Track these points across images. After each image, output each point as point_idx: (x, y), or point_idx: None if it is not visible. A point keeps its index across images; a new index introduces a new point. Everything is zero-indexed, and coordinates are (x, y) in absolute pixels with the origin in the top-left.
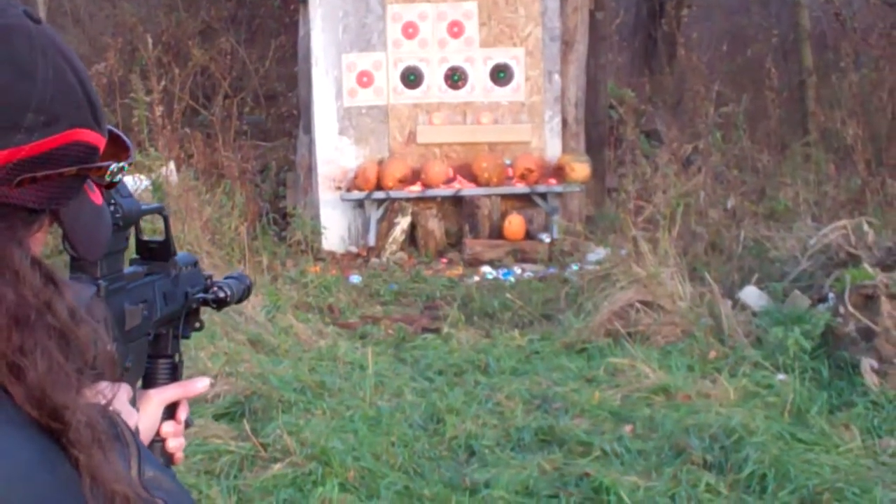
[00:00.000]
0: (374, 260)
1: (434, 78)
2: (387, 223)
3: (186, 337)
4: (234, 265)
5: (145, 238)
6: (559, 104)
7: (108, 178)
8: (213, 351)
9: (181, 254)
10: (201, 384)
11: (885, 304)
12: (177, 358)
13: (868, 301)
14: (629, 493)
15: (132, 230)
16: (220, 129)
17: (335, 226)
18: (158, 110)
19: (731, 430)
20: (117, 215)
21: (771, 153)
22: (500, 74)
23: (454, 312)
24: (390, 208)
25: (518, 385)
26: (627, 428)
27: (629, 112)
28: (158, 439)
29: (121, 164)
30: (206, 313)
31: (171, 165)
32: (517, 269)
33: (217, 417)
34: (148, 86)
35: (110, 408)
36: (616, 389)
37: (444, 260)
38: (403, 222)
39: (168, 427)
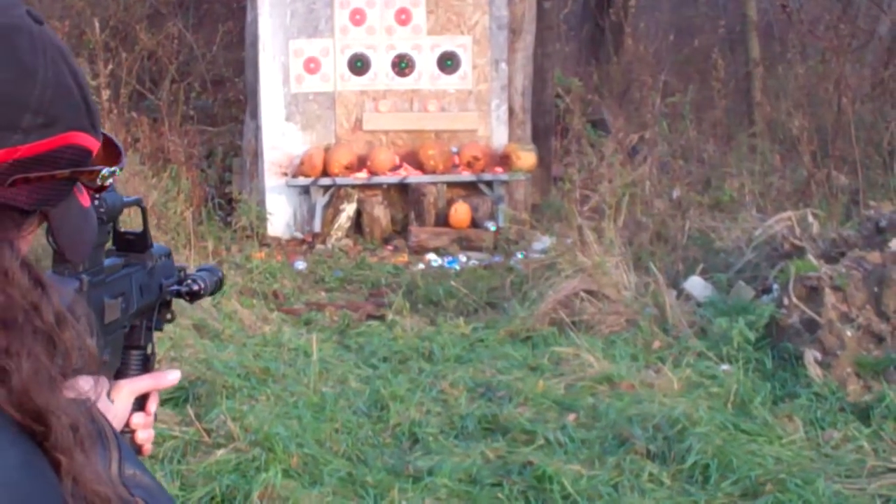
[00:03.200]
0: (319, 246)
1: (381, 65)
2: (332, 210)
3: (159, 329)
4: (179, 250)
5: (122, 230)
6: (506, 93)
7: (98, 182)
8: (157, 336)
9: (156, 245)
10: (172, 376)
11: (828, 296)
12: (149, 349)
13: (812, 293)
14: (572, 482)
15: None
16: (167, 114)
17: (281, 212)
18: (105, 94)
19: (675, 421)
20: (101, 210)
21: (717, 144)
22: (448, 62)
23: (399, 300)
24: (336, 195)
25: (462, 373)
26: (571, 417)
27: (576, 101)
28: (127, 430)
29: (112, 169)
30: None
31: None
32: (462, 257)
33: (161, 402)
34: (95, 70)
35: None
36: (560, 378)
37: (390, 247)
38: (349, 209)
39: (138, 419)
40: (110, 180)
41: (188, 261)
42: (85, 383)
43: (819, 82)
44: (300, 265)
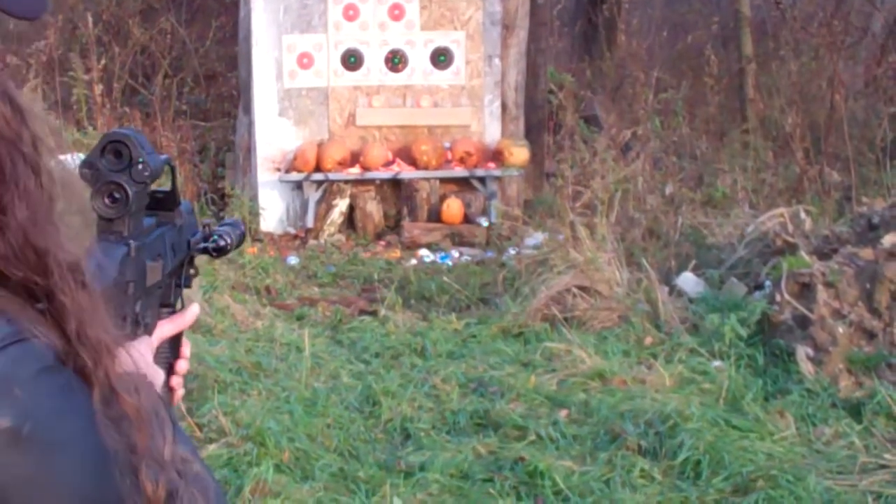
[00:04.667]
0: (311, 242)
1: (374, 61)
2: (325, 205)
3: (188, 286)
4: None
5: (152, 188)
6: (499, 88)
7: None
8: None
9: (182, 202)
10: (191, 313)
11: (821, 293)
12: (178, 306)
13: (804, 289)
14: (564, 477)
15: None
16: (160, 109)
17: (273, 207)
18: (98, 89)
19: (666, 416)
20: (145, 173)
21: (709, 140)
22: (441, 58)
23: (391, 295)
24: (329, 190)
25: (454, 369)
26: (563, 413)
27: (569, 97)
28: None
29: None
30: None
31: None
32: (455, 253)
33: None
34: (87, 64)
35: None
36: (552, 374)
37: (382, 242)
38: (342, 204)
39: (182, 365)
40: None
41: None
42: (135, 355)
43: (812, 79)
44: (293, 260)
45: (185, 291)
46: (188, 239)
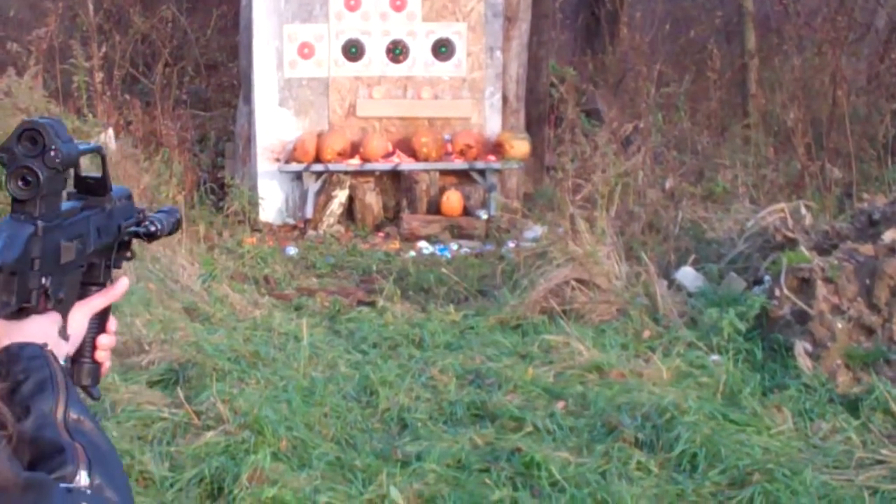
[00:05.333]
0: (310, 232)
1: (375, 51)
2: (324, 196)
3: (117, 266)
4: None
5: (83, 174)
6: (500, 81)
7: None
8: (148, 318)
9: (116, 187)
10: (121, 286)
11: (820, 288)
12: (107, 285)
13: (803, 284)
14: (560, 469)
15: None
16: (160, 98)
17: (273, 197)
18: (98, 77)
19: (664, 410)
20: (57, 160)
21: (711, 135)
22: (442, 49)
23: (390, 286)
24: (328, 181)
25: (452, 360)
26: (560, 404)
27: (570, 90)
28: (87, 360)
29: None
30: (146, 272)
31: (110, 132)
32: (454, 245)
33: (151, 384)
34: (88, 52)
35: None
36: (550, 366)
37: (381, 234)
38: (341, 195)
39: (104, 339)
40: None
41: (179, 244)
42: (37, 326)
43: (815, 75)
44: (292, 251)
45: (193, 287)
46: (119, 223)
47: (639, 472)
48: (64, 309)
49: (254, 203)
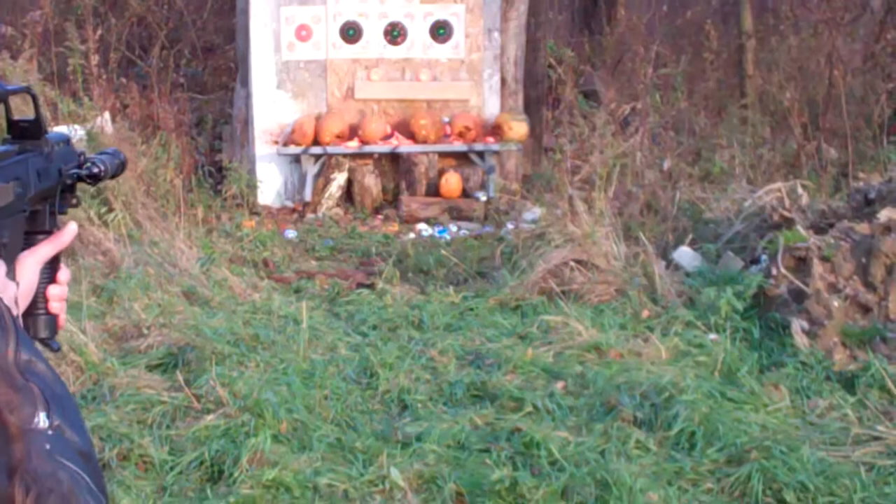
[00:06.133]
0: (309, 215)
1: (373, 33)
2: (323, 179)
3: (63, 212)
4: (169, 217)
5: (16, 118)
6: (498, 62)
7: None
8: (146, 302)
9: (53, 132)
10: (68, 232)
11: (816, 267)
12: (54, 232)
13: (800, 263)
14: (559, 448)
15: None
16: (157, 81)
17: (271, 180)
18: (94, 60)
19: (662, 389)
20: None
21: (708, 115)
22: (440, 31)
23: (389, 269)
24: (327, 164)
25: (451, 341)
26: (559, 384)
27: (568, 72)
28: (41, 312)
29: None
30: (144, 255)
31: (107, 116)
32: (453, 227)
33: (150, 368)
34: (83, 35)
35: None
36: (549, 347)
37: (380, 216)
38: (340, 178)
39: (54, 290)
40: None
41: (178, 228)
42: None
43: (811, 55)
44: (291, 234)
45: (191, 270)
46: (59, 167)
47: (637, 450)
48: (9, 254)
49: (252, 186)
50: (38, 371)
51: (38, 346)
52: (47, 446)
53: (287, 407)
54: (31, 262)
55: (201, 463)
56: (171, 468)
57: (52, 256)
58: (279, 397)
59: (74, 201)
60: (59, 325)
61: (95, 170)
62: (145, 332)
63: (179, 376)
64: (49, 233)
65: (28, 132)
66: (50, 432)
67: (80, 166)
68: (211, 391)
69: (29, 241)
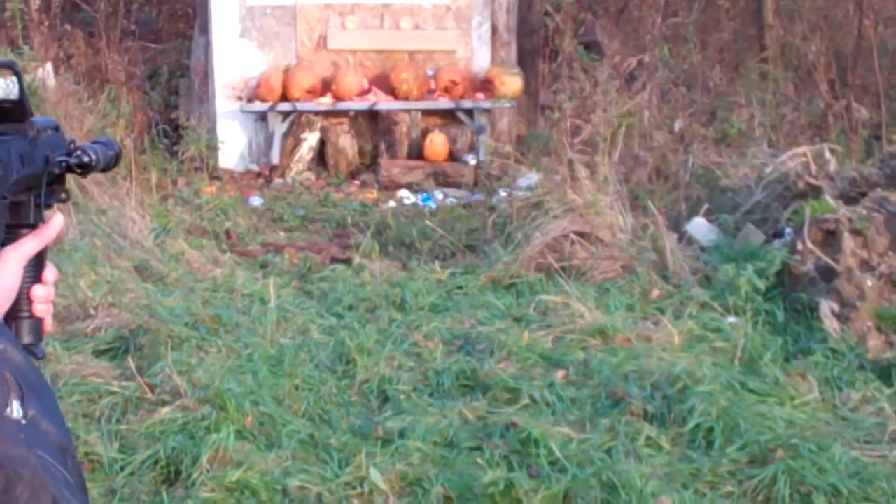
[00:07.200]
0: (277, 180)
1: None
2: (293, 139)
3: (49, 206)
4: (118, 182)
5: None
6: (489, 9)
7: None
8: (93, 279)
9: (41, 118)
10: (54, 225)
11: (847, 241)
12: (39, 226)
13: (829, 237)
14: (560, 446)
15: None
16: (105, 28)
17: (234, 141)
18: (35, 4)
19: (675, 379)
20: None
21: (724, 70)
22: None
23: (367, 241)
24: (297, 122)
25: (438, 324)
26: (560, 373)
27: (567, 20)
28: (25, 315)
29: None
30: (90, 226)
31: (49, 67)
32: (439, 194)
33: (98, 354)
34: None
35: None
36: (548, 330)
37: (357, 182)
38: (311, 138)
39: (39, 291)
40: None
41: (129, 194)
42: None
43: (838, 3)
44: (256, 201)
45: (144, 242)
46: (45, 154)
47: (648, 448)
48: None
49: (212, 147)
50: (12, 359)
51: None
52: (21, 436)
53: (253, 399)
54: (14, 258)
55: (156, 462)
56: (122, 468)
57: (37, 253)
58: (244, 387)
59: (63, 195)
60: (44, 329)
61: (86, 158)
62: (92, 312)
63: (131, 363)
64: (34, 226)
65: (11, 114)
66: (24, 422)
67: (69, 154)
68: (166, 380)
69: (12, 235)
